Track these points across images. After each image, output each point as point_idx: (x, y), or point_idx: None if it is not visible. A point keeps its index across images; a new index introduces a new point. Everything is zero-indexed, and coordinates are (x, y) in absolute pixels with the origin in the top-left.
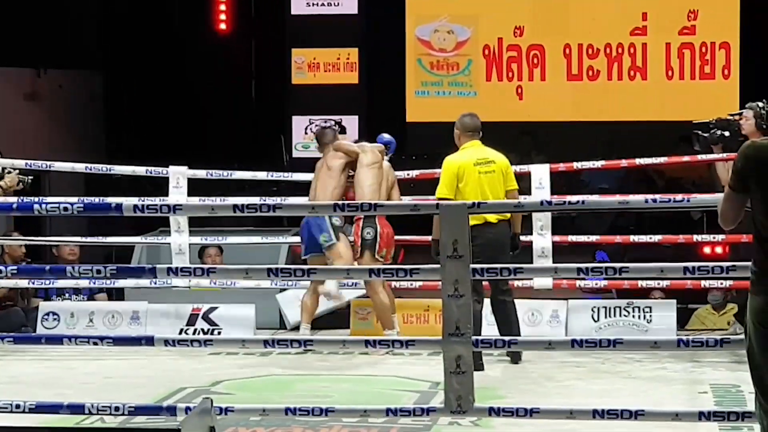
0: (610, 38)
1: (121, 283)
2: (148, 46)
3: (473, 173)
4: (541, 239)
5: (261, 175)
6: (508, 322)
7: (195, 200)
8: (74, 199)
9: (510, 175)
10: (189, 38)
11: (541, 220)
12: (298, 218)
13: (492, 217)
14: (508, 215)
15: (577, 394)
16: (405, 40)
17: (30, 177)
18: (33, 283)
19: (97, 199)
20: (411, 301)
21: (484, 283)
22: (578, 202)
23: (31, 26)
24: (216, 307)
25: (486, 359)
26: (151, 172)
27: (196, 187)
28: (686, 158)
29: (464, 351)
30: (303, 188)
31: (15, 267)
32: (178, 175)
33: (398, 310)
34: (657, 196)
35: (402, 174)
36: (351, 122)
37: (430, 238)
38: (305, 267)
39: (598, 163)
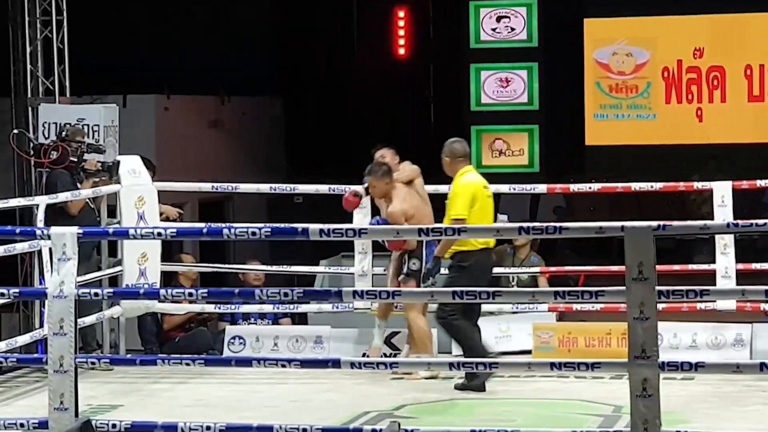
0: None
1: (303, 307)
2: (328, 71)
3: (483, 196)
4: (725, 259)
5: (442, 189)
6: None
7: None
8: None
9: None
10: (368, 63)
11: (725, 239)
12: None
13: (492, 242)
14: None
15: (764, 419)
16: (584, 64)
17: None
18: (220, 308)
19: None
20: (593, 324)
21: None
22: (766, 224)
23: (215, 57)
24: (398, 332)
25: (669, 381)
26: (333, 190)
27: None
28: None
29: (650, 374)
30: None
31: (205, 290)
32: None
33: (580, 333)
34: None
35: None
36: None
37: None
38: (491, 290)
39: None
